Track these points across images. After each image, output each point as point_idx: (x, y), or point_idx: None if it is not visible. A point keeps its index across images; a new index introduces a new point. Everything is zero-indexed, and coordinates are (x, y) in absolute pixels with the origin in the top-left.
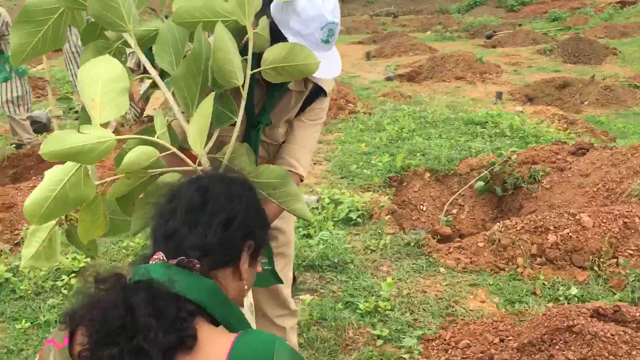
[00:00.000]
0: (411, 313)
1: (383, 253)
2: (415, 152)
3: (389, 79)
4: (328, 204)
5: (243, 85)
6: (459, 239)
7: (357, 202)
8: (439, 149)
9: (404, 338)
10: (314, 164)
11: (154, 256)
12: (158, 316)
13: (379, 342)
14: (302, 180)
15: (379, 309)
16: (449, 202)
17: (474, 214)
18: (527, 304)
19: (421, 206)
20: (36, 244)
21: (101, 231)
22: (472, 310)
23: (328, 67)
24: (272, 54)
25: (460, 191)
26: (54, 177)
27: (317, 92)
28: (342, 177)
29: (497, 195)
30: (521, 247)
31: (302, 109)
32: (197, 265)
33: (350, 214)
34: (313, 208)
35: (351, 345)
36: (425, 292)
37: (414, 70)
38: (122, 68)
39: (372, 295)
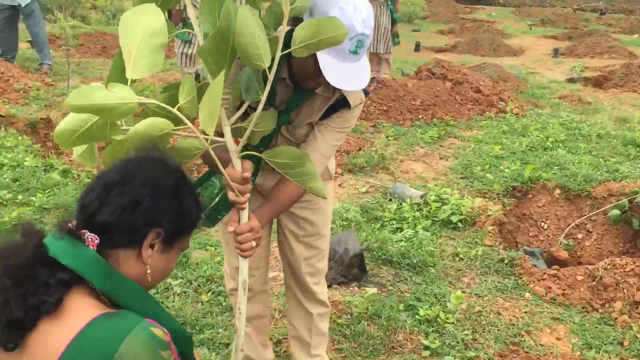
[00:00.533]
0: (473, 332)
1: (471, 264)
2: (552, 164)
3: (571, 80)
4: (433, 201)
5: (270, 68)
6: (557, 266)
7: (464, 206)
8: (580, 166)
9: (449, 355)
10: (440, 158)
11: (69, 223)
12: (28, 277)
13: (426, 352)
14: None
15: (439, 320)
16: (575, 224)
17: (602, 243)
18: (607, 352)
19: (542, 223)
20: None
21: None
22: (542, 345)
23: (351, 79)
24: (302, 32)
25: (590, 215)
26: (83, 115)
27: (343, 102)
28: (461, 177)
29: (633, 228)
30: (625, 290)
31: (326, 115)
32: (96, 241)
33: (452, 216)
34: (414, 203)
35: (397, 349)
36: (500, 314)
37: (603, 74)
38: (164, 22)
39: (439, 304)
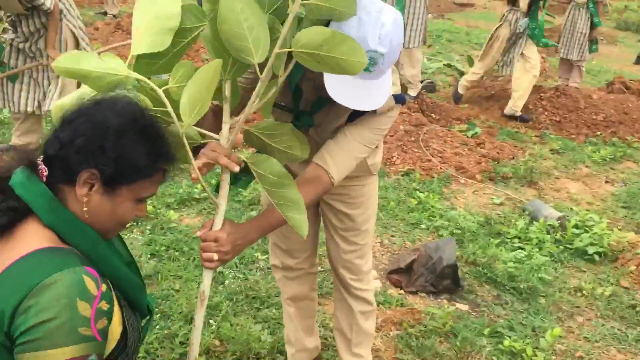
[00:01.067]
0: None
1: (593, 303)
2: None
3: None
4: (572, 227)
5: (262, 65)
6: None
7: (608, 238)
8: None
9: None
10: (605, 182)
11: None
12: None
13: None
14: (332, 185)
15: (524, 355)
16: None
17: None
18: None
19: None
20: None
21: None
22: None
23: (361, 97)
24: (307, 36)
25: None
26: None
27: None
28: (623, 206)
29: None
30: None
31: (352, 119)
32: (45, 173)
33: (589, 247)
34: (549, 225)
35: None
36: None
37: None
38: (179, 9)
39: (533, 337)
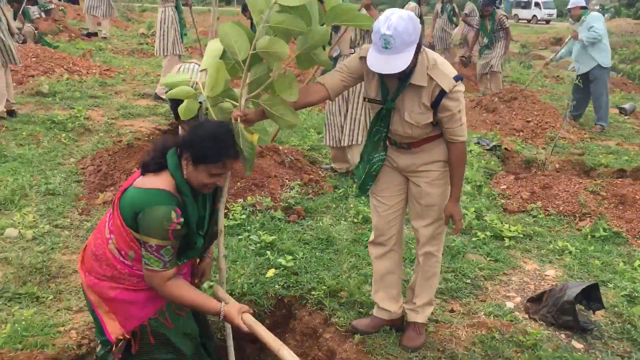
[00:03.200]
0: None
1: None
2: None
3: None
4: None
5: (244, 61)
6: None
7: None
8: None
9: None
10: None
11: None
12: (156, 154)
13: None
14: (464, 144)
15: None
16: None
17: None
18: None
19: None
20: None
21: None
22: None
23: (382, 65)
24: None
25: None
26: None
27: (439, 89)
28: None
29: None
30: None
31: (436, 105)
32: (178, 152)
33: None
34: None
35: None
36: None
37: None
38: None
39: None
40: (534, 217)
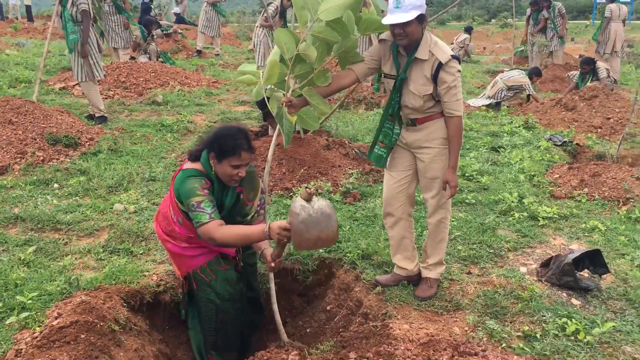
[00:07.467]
0: None
1: None
2: None
3: None
4: None
5: (291, 59)
6: None
7: None
8: None
9: None
10: None
11: None
12: (199, 148)
13: None
14: (461, 118)
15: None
16: None
17: None
18: None
19: None
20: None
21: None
22: None
23: (391, 18)
24: (301, 45)
25: None
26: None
27: (437, 62)
28: None
29: None
30: None
31: (435, 79)
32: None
33: None
34: None
35: None
36: None
37: None
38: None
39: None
40: (578, 202)
